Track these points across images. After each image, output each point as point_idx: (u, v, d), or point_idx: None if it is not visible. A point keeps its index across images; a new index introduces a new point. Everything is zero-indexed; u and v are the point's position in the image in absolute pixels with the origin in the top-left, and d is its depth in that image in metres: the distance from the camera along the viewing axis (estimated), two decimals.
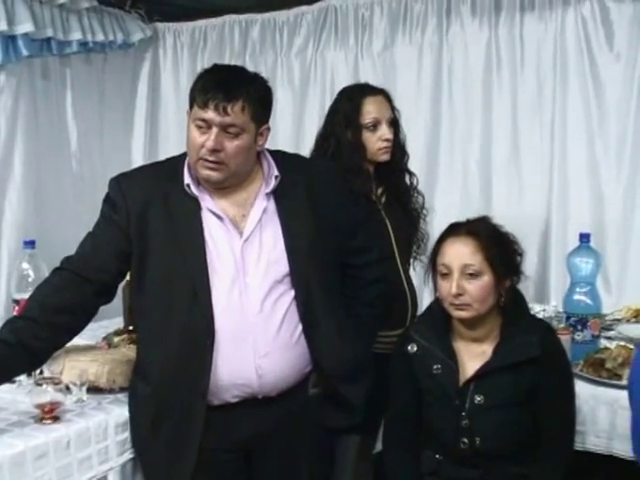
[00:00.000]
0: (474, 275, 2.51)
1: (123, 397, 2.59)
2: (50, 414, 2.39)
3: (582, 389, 2.72)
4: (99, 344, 2.98)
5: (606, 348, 2.96)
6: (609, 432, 2.68)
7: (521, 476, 2.53)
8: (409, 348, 2.64)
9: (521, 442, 2.54)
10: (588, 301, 3.06)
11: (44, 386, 2.46)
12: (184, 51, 5.07)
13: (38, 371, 2.62)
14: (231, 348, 2.38)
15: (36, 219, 4.24)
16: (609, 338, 3.22)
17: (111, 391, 2.63)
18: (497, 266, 2.54)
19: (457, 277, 2.52)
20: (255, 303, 2.40)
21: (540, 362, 2.51)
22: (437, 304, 2.67)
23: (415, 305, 3.13)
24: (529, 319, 2.70)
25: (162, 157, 2.74)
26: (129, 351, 2.75)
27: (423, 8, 4.40)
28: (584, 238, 3.12)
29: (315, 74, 4.72)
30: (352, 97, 3.08)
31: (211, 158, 2.34)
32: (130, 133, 5.10)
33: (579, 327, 3.02)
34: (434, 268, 2.62)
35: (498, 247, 2.57)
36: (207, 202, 2.43)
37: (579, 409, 2.68)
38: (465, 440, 2.52)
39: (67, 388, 2.52)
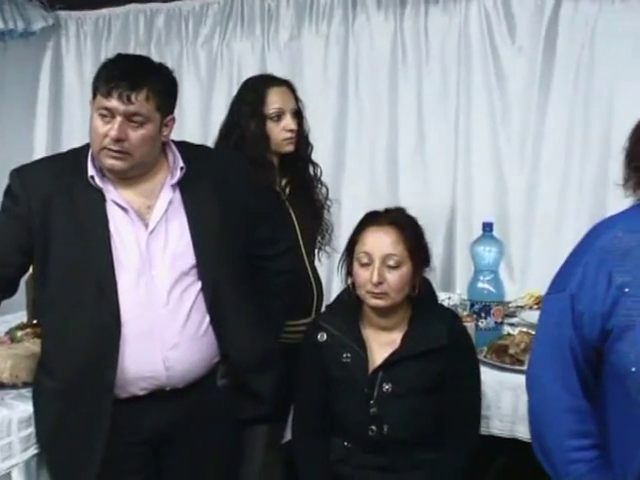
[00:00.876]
0: (395, 265, 2.54)
1: (27, 392, 2.54)
2: None
3: (486, 375, 2.77)
4: (1, 339, 2.92)
5: (509, 334, 3.02)
6: (512, 416, 2.73)
7: (429, 462, 2.57)
8: (319, 337, 2.65)
9: (429, 429, 2.58)
10: (491, 289, 3.12)
11: None
12: (87, 40, 4.97)
13: None
14: (138, 341, 2.35)
15: None
16: (512, 325, 3.29)
17: (14, 386, 2.58)
18: (417, 257, 2.57)
19: (378, 266, 2.53)
20: (161, 295, 2.38)
21: (447, 350, 2.55)
22: (347, 293, 2.69)
23: (321, 295, 3.16)
24: (437, 308, 2.75)
25: (66, 149, 2.67)
26: (33, 345, 2.69)
27: None
28: (487, 227, 3.18)
29: (221, 64, 4.69)
30: (256, 88, 3.07)
31: (115, 147, 2.30)
32: (32, 124, 4.99)
33: (483, 314, 3.07)
34: (351, 256, 2.63)
35: (417, 238, 2.61)
36: (111, 194, 2.39)
37: (484, 394, 2.73)
38: (373, 428, 2.55)
39: None
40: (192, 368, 2.44)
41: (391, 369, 2.56)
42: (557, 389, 1.93)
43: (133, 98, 2.28)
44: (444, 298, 3.37)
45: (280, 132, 3.03)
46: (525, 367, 2.60)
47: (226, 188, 2.51)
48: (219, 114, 3.22)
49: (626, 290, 1.82)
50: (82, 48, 5.00)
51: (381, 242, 2.55)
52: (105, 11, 4.92)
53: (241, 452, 2.84)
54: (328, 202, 3.25)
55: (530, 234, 4.13)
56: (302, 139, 3.13)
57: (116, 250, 2.36)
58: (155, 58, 4.55)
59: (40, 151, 4.83)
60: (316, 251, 3.26)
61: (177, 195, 2.45)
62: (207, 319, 2.45)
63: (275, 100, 3.04)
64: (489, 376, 2.79)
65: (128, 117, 2.29)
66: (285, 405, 2.82)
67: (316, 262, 3.24)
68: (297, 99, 3.13)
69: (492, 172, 4.17)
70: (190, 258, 2.42)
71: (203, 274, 2.43)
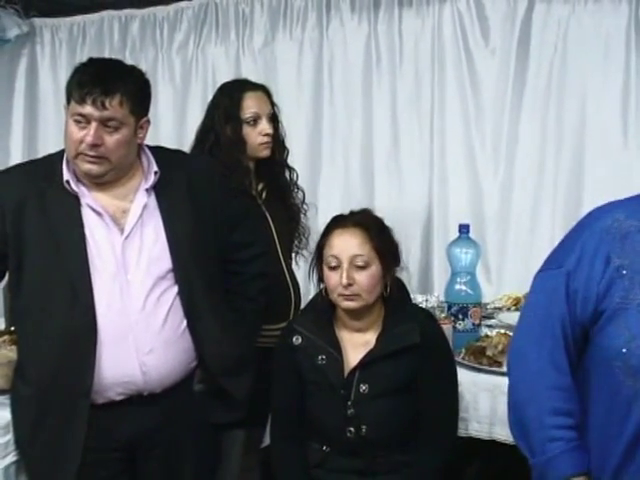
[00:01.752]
0: (363, 266, 2.54)
1: (4, 399, 2.54)
2: None
3: (464, 376, 2.78)
4: None
5: (487, 336, 3.03)
6: (490, 417, 2.74)
7: (406, 463, 2.57)
8: (293, 340, 2.65)
9: (406, 429, 2.58)
10: (469, 290, 3.13)
11: None
12: (62, 47, 4.94)
13: None
14: (114, 346, 2.35)
15: None
16: (490, 326, 3.30)
17: None
18: (385, 256, 2.58)
19: (347, 267, 2.54)
20: (137, 300, 2.38)
21: (420, 349, 2.55)
22: (320, 296, 2.69)
23: (298, 299, 3.16)
24: (410, 308, 2.76)
25: (42, 155, 2.67)
26: (10, 352, 2.68)
27: (303, 4, 4.42)
28: (463, 229, 3.19)
29: (197, 70, 4.68)
30: (232, 92, 3.08)
31: (91, 153, 2.31)
32: (8, 131, 4.95)
33: (460, 316, 3.08)
34: (320, 260, 2.64)
35: (384, 238, 2.61)
36: (86, 198, 2.39)
37: (461, 396, 2.74)
38: (351, 429, 2.54)
39: None
40: (169, 373, 2.44)
41: (367, 370, 2.56)
42: (544, 365, 1.93)
43: (107, 104, 2.28)
44: (421, 300, 3.38)
45: (256, 136, 3.04)
46: (503, 369, 2.64)
47: (200, 192, 2.52)
48: (194, 119, 3.23)
49: (623, 272, 1.83)
50: (57, 55, 4.97)
51: (347, 244, 2.56)
52: (79, 18, 4.89)
53: (219, 457, 2.84)
54: (304, 206, 3.26)
55: (506, 235, 4.14)
56: (278, 143, 3.14)
57: (91, 254, 2.36)
58: (130, 64, 4.60)
59: (16, 158, 4.77)
60: (293, 255, 3.26)
61: (152, 199, 2.45)
62: (184, 323, 2.45)
63: (251, 105, 3.04)
64: (467, 378, 2.79)
65: (103, 122, 2.29)
66: (263, 409, 2.83)
67: (294, 266, 3.25)
68: (273, 104, 3.14)
69: (467, 174, 4.18)
70: (166, 262, 2.43)
71: (179, 278, 2.43)
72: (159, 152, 2.53)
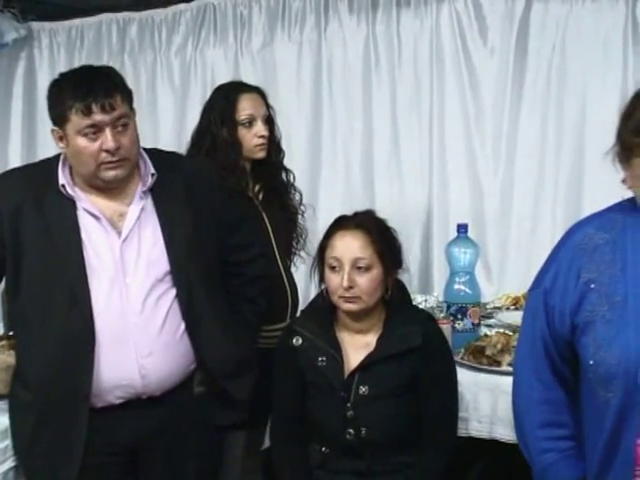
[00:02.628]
0: (365, 268, 2.54)
1: (3, 405, 2.53)
2: None
3: (464, 376, 2.77)
4: None
5: (486, 336, 3.02)
6: (491, 417, 2.74)
7: (407, 465, 2.56)
8: (294, 341, 2.64)
9: (406, 431, 2.57)
10: (467, 290, 3.12)
11: None
12: (61, 51, 4.95)
13: None
14: (113, 350, 2.35)
15: None
16: (489, 326, 3.29)
17: None
18: (386, 259, 2.57)
19: (348, 270, 2.53)
20: (136, 303, 2.38)
21: (422, 351, 2.55)
22: (321, 297, 2.69)
23: (296, 300, 3.16)
24: (411, 310, 2.75)
25: (41, 158, 2.68)
26: (9, 357, 2.66)
27: (301, 5, 4.41)
28: (461, 229, 3.18)
29: (195, 72, 4.67)
30: (227, 94, 3.08)
31: (114, 158, 2.31)
32: (6, 136, 4.96)
33: (459, 316, 3.08)
34: (322, 261, 2.64)
35: (386, 241, 2.61)
36: (83, 202, 2.39)
37: (461, 396, 2.73)
38: (351, 431, 2.54)
39: None
40: (168, 376, 2.44)
41: (367, 371, 2.56)
42: (532, 380, 2.02)
43: (113, 104, 2.28)
44: (421, 301, 3.39)
45: (252, 138, 3.04)
46: (503, 368, 2.69)
47: (197, 194, 2.51)
48: (193, 121, 3.23)
49: (592, 286, 1.89)
50: (55, 59, 4.97)
51: (349, 246, 2.55)
52: (77, 21, 4.90)
53: (220, 459, 2.83)
54: (302, 207, 3.26)
55: (506, 235, 4.13)
56: (274, 145, 3.15)
57: (89, 258, 2.36)
58: (129, 67, 4.66)
59: (15, 162, 4.76)
60: (291, 256, 3.26)
61: (149, 202, 2.45)
62: (182, 326, 2.45)
63: (246, 106, 3.05)
64: (466, 377, 2.79)
65: (113, 124, 2.29)
66: (263, 411, 2.82)
67: (292, 267, 3.25)
68: (268, 105, 3.14)
69: (467, 174, 4.17)
70: (164, 265, 2.42)
71: (177, 280, 2.43)
72: (155, 154, 2.53)
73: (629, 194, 1.97)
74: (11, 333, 2.92)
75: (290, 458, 2.68)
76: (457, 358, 2.86)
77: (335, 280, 2.56)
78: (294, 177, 3.25)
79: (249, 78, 3.75)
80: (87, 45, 4.88)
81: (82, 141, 2.30)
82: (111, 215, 2.41)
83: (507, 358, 2.79)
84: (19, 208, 2.37)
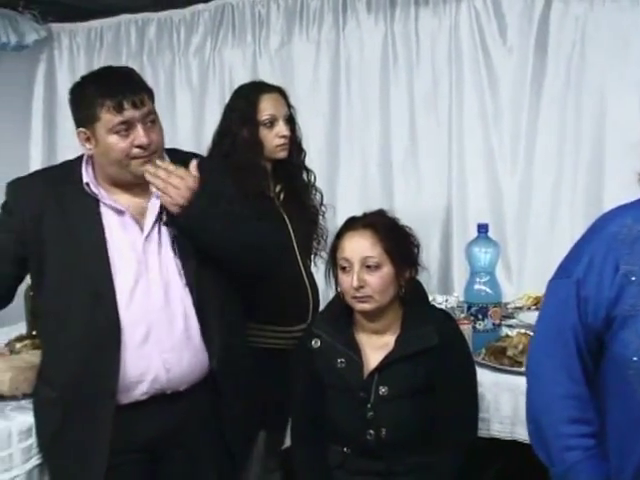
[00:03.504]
0: (374, 267, 2.53)
1: (27, 404, 2.55)
2: None
3: (485, 377, 2.77)
4: (0, 350, 2.92)
5: (507, 336, 3.01)
6: (512, 418, 2.73)
7: (426, 465, 2.56)
8: (312, 343, 2.65)
9: (426, 430, 2.57)
10: (488, 290, 3.11)
11: None
12: (80, 52, 4.99)
13: None
14: (137, 345, 2.37)
15: None
16: (510, 326, 3.28)
17: (14, 398, 2.59)
18: (396, 257, 2.56)
19: (357, 270, 2.53)
20: (158, 298, 2.39)
21: (438, 351, 2.54)
22: (338, 299, 2.68)
23: (316, 300, 3.16)
24: (428, 309, 2.75)
25: (61, 160, 2.69)
26: (32, 357, 2.70)
27: (319, 4, 4.42)
28: (482, 229, 3.17)
29: (214, 73, 4.69)
30: (248, 95, 3.08)
31: (145, 153, 2.34)
32: (27, 137, 5.00)
33: (480, 316, 3.06)
34: (334, 263, 2.64)
35: (396, 238, 2.60)
36: (106, 199, 2.41)
37: (482, 397, 2.73)
38: (371, 432, 2.54)
39: None
40: (191, 369, 2.45)
41: (386, 372, 2.55)
42: (557, 375, 1.92)
43: (143, 99, 2.33)
44: (441, 301, 3.38)
45: (273, 138, 3.04)
46: (524, 369, 2.62)
47: (211, 193, 2.49)
48: (212, 122, 3.23)
49: (632, 279, 1.81)
50: (75, 60, 5.02)
51: (358, 245, 2.55)
52: (97, 22, 4.93)
53: (244, 460, 2.83)
54: (322, 208, 3.26)
55: (526, 234, 4.12)
56: (295, 145, 3.15)
57: (112, 255, 2.38)
58: (147, 68, 4.67)
59: (36, 164, 4.82)
60: (312, 257, 3.26)
61: None
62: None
63: (268, 107, 3.05)
64: (487, 378, 2.78)
65: (143, 120, 2.33)
66: (283, 412, 2.82)
67: (312, 268, 3.24)
68: (289, 105, 3.14)
69: (486, 173, 4.16)
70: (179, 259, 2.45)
71: (187, 277, 2.43)
72: (173, 153, 2.54)
73: None
74: (34, 332, 2.95)
75: (310, 459, 2.68)
76: (478, 359, 2.86)
77: (346, 281, 2.57)
78: (315, 177, 3.25)
79: (267, 78, 3.74)
80: (106, 46, 4.92)
81: (114, 138, 2.32)
82: (134, 210, 2.43)
83: None
84: (41, 209, 2.39)
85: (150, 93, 2.40)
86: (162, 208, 2.41)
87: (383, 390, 2.54)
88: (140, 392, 2.40)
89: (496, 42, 4.11)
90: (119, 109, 2.29)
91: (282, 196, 3.15)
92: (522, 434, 2.67)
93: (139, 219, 2.43)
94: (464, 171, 4.18)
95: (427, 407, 2.56)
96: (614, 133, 3.81)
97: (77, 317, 2.37)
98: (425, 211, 4.17)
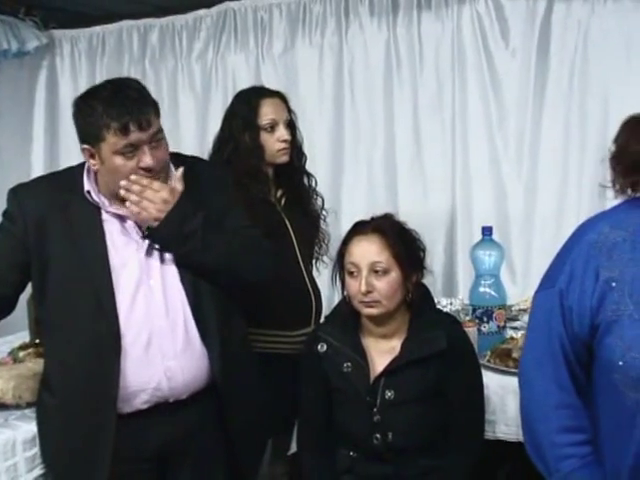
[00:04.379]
0: (382, 272, 2.53)
1: (30, 413, 2.54)
2: None
3: (490, 379, 2.77)
4: (3, 359, 2.93)
5: (512, 338, 3.02)
6: (518, 420, 2.67)
7: (434, 468, 2.56)
8: (319, 347, 2.64)
9: (433, 434, 2.57)
10: (493, 293, 3.12)
11: None
12: (82, 58, 4.98)
13: None
14: (139, 353, 2.35)
15: None
16: (515, 328, 3.28)
17: (18, 407, 2.58)
18: (404, 262, 2.56)
19: (366, 275, 2.53)
20: (160, 306, 2.38)
21: (447, 355, 2.54)
22: (344, 303, 2.68)
23: (319, 305, 3.16)
24: (435, 313, 2.74)
25: (64, 167, 2.68)
26: (35, 365, 2.69)
27: (322, 9, 4.42)
28: (486, 231, 3.18)
29: (216, 78, 4.69)
30: (249, 100, 3.09)
31: (151, 174, 2.32)
32: (29, 143, 5.00)
33: (485, 319, 3.07)
34: (342, 267, 2.63)
35: (404, 243, 2.59)
36: (108, 207, 2.40)
37: (488, 399, 2.72)
38: (378, 436, 2.54)
39: None
40: (194, 377, 2.43)
41: (392, 376, 2.55)
42: (548, 385, 1.94)
43: (150, 119, 2.28)
44: (446, 304, 3.37)
45: (274, 143, 3.05)
46: None
47: (204, 194, 2.49)
48: (215, 127, 3.23)
49: (613, 285, 1.84)
50: (77, 66, 5.00)
51: (366, 250, 2.55)
52: (98, 29, 4.92)
53: (255, 466, 2.81)
54: (324, 212, 3.26)
55: (531, 237, 4.13)
56: (296, 150, 3.15)
57: (113, 263, 2.37)
58: (150, 74, 4.67)
59: (38, 170, 4.81)
60: (313, 261, 3.26)
61: None
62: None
63: (268, 111, 3.05)
64: (493, 380, 2.78)
65: (150, 141, 2.30)
66: (289, 417, 2.82)
67: (314, 272, 3.24)
68: (290, 110, 3.14)
69: (490, 176, 4.16)
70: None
71: (185, 282, 2.42)
72: (174, 157, 2.52)
73: None
74: (37, 341, 2.95)
75: (317, 463, 2.68)
76: (483, 361, 2.85)
77: (354, 285, 2.56)
78: (316, 182, 3.25)
79: (270, 83, 3.75)
80: (108, 52, 4.91)
81: (118, 160, 2.29)
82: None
83: None
84: (44, 215, 2.39)
85: (156, 108, 2.36)
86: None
87: (389, 394, 2.54)
88: (142, 400, 2.39)
89: (499, 45, 4.11)
90: (125, 132, 2.25)
91: (283, 201, 3.15)
92: None
93: (141, 225, 2.42)
94: (468, 174, 4.19)
95: (434, 411, 2.56)
96: None
97: (79, 324, 2.36)
98: (430, 214, 4.17)
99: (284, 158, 3.08)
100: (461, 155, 4.20)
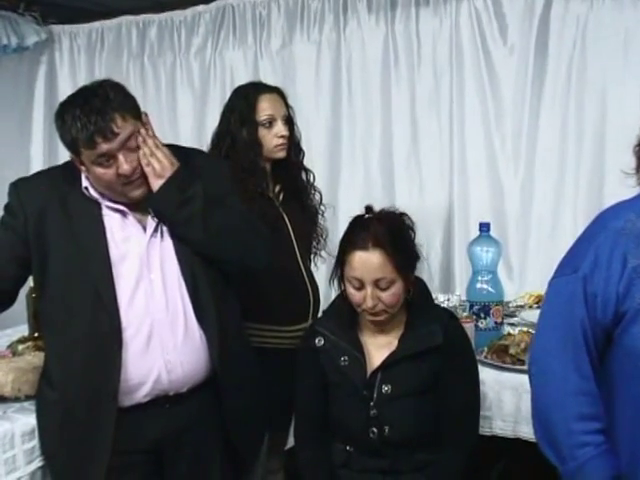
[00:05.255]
0: (387, 286, 2.51)
1: (29, 405, 2.55)
2: None
3: (487, 375, 2.77)
4: (2, 352, 2.93)
5: (509, 334, 3.02)
6: (515, 416, 2.73)
7: (430, 463, 2.56)
8: (316, 342, 2.64)
9: (430, 429, 2.57)
10: (490, 289, 3.11)
11: None
12: (81, 53, 5.01)
13: None
14: (139, 346, 2.36)
15: None
16: (512, 324, 3.29)
17: (17, 400, 2.58)
18: (405, 270, 2.54)
19: (370, 291, 2.50)
20: (160, 299, 2.39)
21: (443, 350, 2.54)
22: (341, 298, 2.67)
23: (317, 300, 3.16)
24: (432, 308, 2.73)
25: (63, 161, 2.68)
26: (34, 358, 2.70)
27: (320, 5, 4.43)
28: (483, 227, 3.17)
29: (215, 74, 4.71)
30: (247, 95, 3.09)
31: (133, 178, 2.33)
32: (28, 138, 5.02)
33: (482, 315, 3.07)
34: (342, 273, 2.60)
35: (403, 250, 2.56)
36: (107, 202, 2.41)
37: (485, 395, 2.73)
38: (374, 430, 2.54)
39: None
40: (193, 371, 2.44)
41: (389, 370, 2.55)
42: (567, 372, 1.90)
43: (115, 128, 2.26)
44: (443, 300, 3.38)
45: (272, 138, 3.05)
46: (526, 367, 2.61)
47: (208, 187, 2.48)
48: (213, 123, 3.23)
49: None
50: (76, 61, 5.03)
51: (369, 267, 2.50)
52: (98, 24, 4.94)
53: (252, 461, 2.82)
54: (322, 207, 3.27)
55: (527, 233, 4.13)
56: (294, 145, 3.16)
57: (113, 257, 2.37)
58: (149, 69, 4.68)
59: (37, 165, 4.85)
60: (312, 256, 3.27)
61: None
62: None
63: (266, 107, 3.06)
64: (490, 376, 2.79)
65: (124, 145, 2.29)
66: (286, 411, 2.83)
67: (312, 267, 3.25)
68: (287, 105, 3.15)
69: (487, 172, 4.17)
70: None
71: (184, 275, 2.43)
72: (174, 150, 2.50)
73: None
74: (36, 334, 2.96)
75: (314, 460, 2.68)
76: (480, 357, 2.86)
77: (358, 297, 2.54)
78: (314, 177, 3.25)
79: (268, 79, 3.76)
80: (107, 47, 4.94)
81: (98, 169, 2.31)
82: (135, 210, 2.43)
83: None
84: (44, 210, 2.39)
85: (127, 109, 2.31)
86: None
87: (386, 389, 2.54)
88: (142, 394, 2.40)
89: (497, 42, 4.12)
90: (92, 145, 2.25)
91: (281, 196, 3.15)
92: (525, 432, 2.68)
93: (141, 219, 2.43)
94: (465, 170, 4.19)
95: (430, 406, 2.56)
96: (615, 132, 3.81)
97: (79, 318, 2.36)
98: (427, 210, 4.17)
99: (282, 154, 3.08)
100: (458, 151, 4.20)
